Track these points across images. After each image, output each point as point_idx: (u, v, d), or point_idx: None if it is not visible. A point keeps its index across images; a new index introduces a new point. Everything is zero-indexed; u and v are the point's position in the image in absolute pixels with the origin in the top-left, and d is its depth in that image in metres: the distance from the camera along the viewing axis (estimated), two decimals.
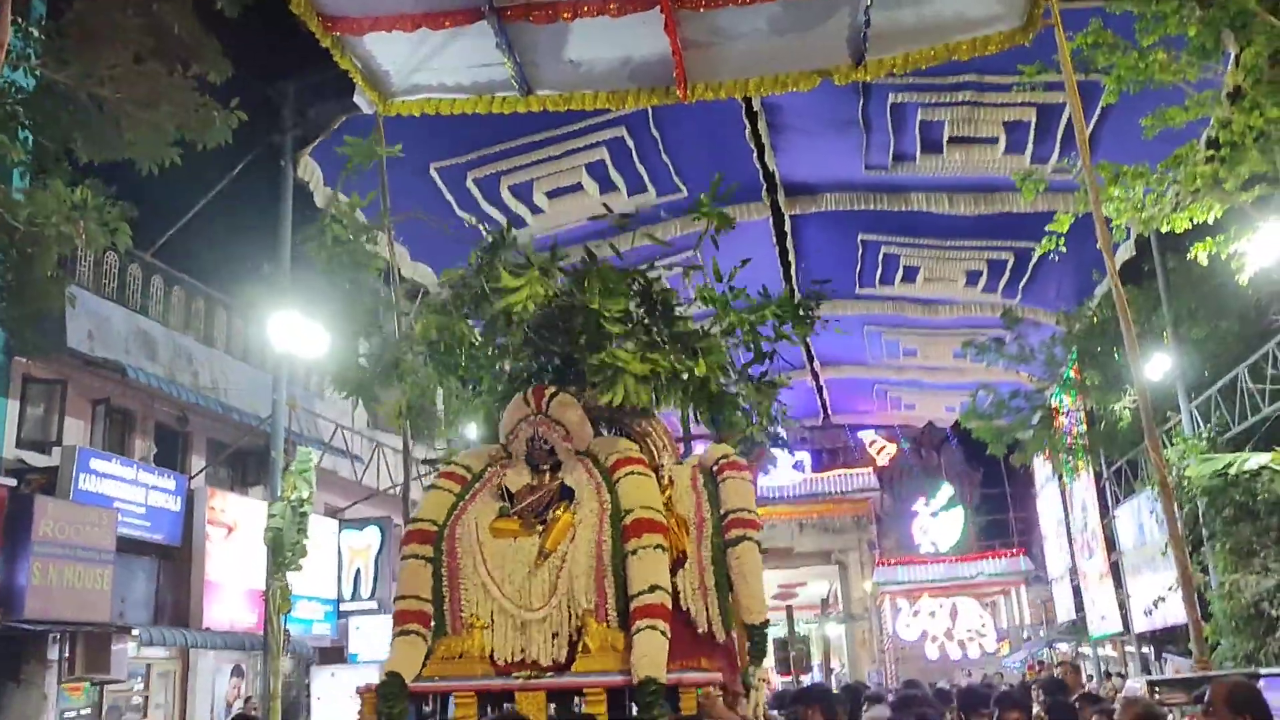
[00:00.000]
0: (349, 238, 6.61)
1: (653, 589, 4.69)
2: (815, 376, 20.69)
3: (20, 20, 10.91)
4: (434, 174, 11.95)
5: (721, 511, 5.12)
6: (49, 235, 9.73)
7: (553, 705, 4.80)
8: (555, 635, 4.83)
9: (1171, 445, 14.50)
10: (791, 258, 15.09)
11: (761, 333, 6.04)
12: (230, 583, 17.03)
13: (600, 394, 5.15)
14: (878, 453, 36.06)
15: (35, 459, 14.36)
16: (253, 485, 18.77)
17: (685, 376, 5.52)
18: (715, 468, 5.28)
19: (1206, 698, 3.87)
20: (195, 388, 17.23)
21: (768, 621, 5.12)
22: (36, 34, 11.17)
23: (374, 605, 19.73)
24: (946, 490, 37.50)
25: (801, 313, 5.95)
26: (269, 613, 12.49)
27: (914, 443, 39.56)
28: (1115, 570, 21.10)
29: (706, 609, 4.95)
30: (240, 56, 11.83)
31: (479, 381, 6.00)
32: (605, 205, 6.32)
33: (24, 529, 12.72)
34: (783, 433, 6.13)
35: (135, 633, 14.65)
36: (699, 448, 5.95)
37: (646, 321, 5.49)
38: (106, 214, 10.07)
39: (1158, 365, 15.06)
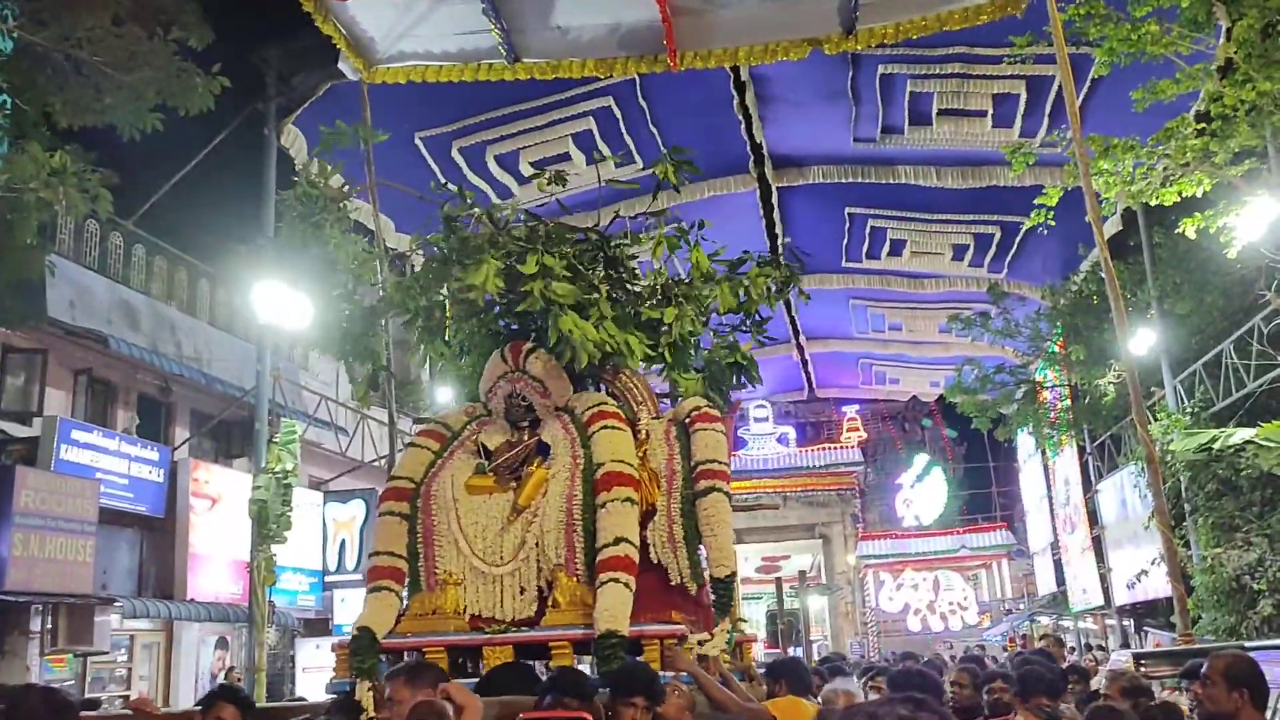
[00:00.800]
0: (322, 206, 6.51)
1: (617, 541, 4.65)
2: (800, 350, 20.71)
3: None
4: (419, 143, 11.84)
5: (692, 463, 5.06)
6: (28, 201, 9.60)
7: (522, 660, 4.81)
8: (523, 590, 4.83)
9: (1155, 420, 14.56)
10: (779, 230, 15.04)
11: (738, 294, 5.94)
12: (214, 555, 16.97)
13: (564, 355, 5.10)
14: (849, 431, 36.07)
15: (16, 430, 14.24)
16: (237, 457, 18.67)
17: (662, 327, 5.46)
18: (688, 419, 5.22)
19: (1203, 671, 3.86)
20: (178, 358, 17.10)
21: (734, 574, 5.06)
22: None
23: (359, 577, 19.67)
24: (923, 459, 37.69)
25: (782, 282, 5.88)
26: (253, 585, 12.43)
27: (897, 417, 39.72)
28: (1097, 544, 21.25)
29: (677, 560, 4.92)
30: (222, 21, 11.66)
31: (460, 342, 5.93)
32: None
33: (4, 500, 12.62)
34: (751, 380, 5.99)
35: (119, 604, 14.59)
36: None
37: (601, 280, 5.39)
38: (87, 180, 9.93)
39: (1143, 340, 15.09)
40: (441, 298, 5.69)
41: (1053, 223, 11.95)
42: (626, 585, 4.58)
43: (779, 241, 15.16)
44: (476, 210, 5.71)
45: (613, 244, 5.71)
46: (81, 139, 11.26)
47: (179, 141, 13.19)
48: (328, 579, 19.82)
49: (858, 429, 36.14)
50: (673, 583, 4.93)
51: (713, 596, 5.14)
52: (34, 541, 12.82)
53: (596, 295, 5.18)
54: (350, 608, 19.25)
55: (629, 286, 5.68)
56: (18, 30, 10.46)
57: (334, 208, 6.59)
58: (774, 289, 5.89)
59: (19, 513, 12.65)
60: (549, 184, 5.99)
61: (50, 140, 10.73)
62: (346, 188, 7.12)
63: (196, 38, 11.35)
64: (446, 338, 5.89)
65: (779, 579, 22.40)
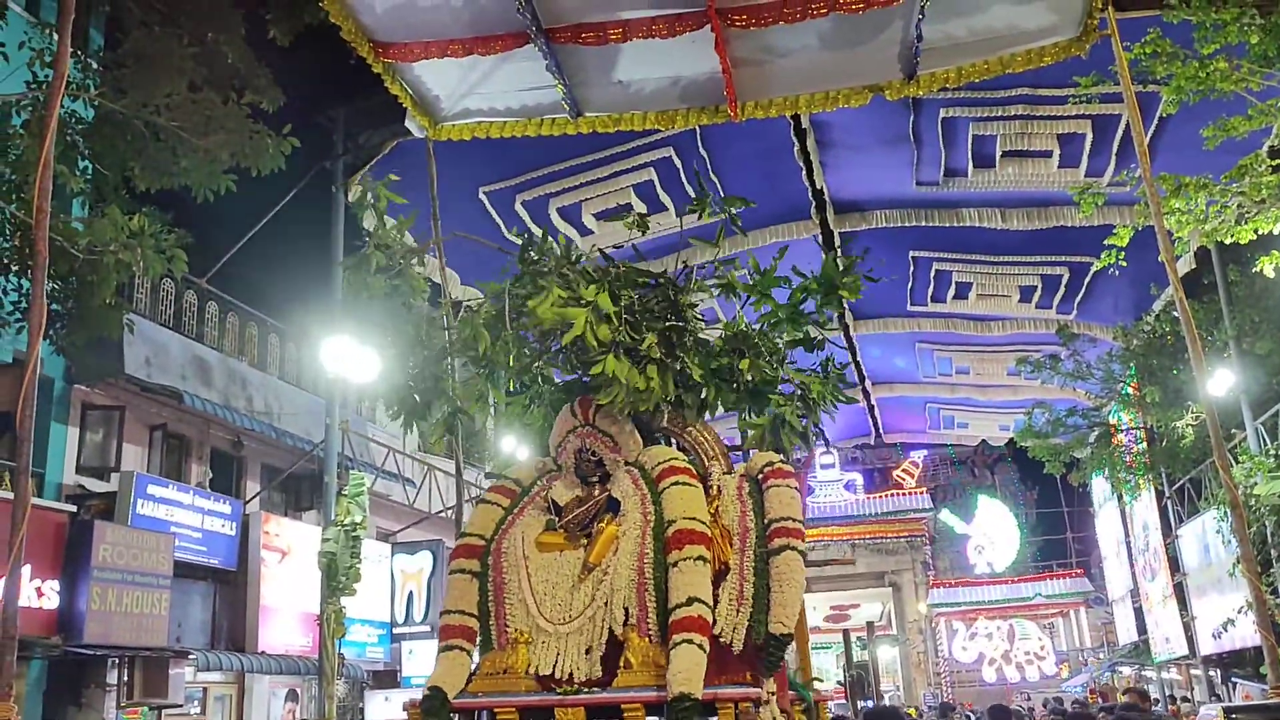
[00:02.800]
0: (395, 263, 6.59)
1: (691, 601, 4.54)
2: (866, 395, 20.49)
3: (79, 52, 11.15)
4: (483, 197, 12.02)
5: (765, 520, 4.91)
6: (108, 263, 9.87)
7: None
8: (589, 650, 4.73)
9: (1237, 463, 14.13)
10: None
11: (807, 312, 5.84)
12: (285, 607, 17.13)
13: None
14: (905, 475, 35.43)
15: (94, 485, 14.58)
16: (306, 510, 18.91)
17: (734, 380, 5.40)
18: (760, 475, 5.09)
19: None
20: (249, 413, 17.42)
21: (790, 635, 4.93)
22: (95, 65, 11.41)
23: (427, 629, 19.73)
24: (994, 504, 36.95)
25: (844, 279, 5.75)
26: (323, 637, 12.51)
27: (967, 462, 39.06)
28: (1179, 591, 20.60)
29: (742, 621, 4.76)
30: (292, 84, 11.99)
31: (527, 392, 5.92)
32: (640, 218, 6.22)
33: (84, 554, 12.89)
34: (826, 424, 5.84)
35: (192, 657, 14.76)
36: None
37: (666, 327, 5.35)
38: (163, 241, 10.21)
39: (1221, 380, 14.70)
40: (504, 338, 5.66)
41: (1124, 263, 11.73)
42: (700, 646, 4.46)
43: None
44: (554, 249, 5.70)
45: (679, 291, 5.66)
46: (157, 200, 11.60)
47: (249, 200, 13.52)
48: (395, 631, 19.89)
49: (912, 474, 35.50)
50: (736, 644, 4.77)
51: (765, 653, 5.00)
52: (111, 595, 13.05)
53: (649, 340, 5.11)
54: (418, 660, 19.29)
55: (698, 335, 5.62)
56: (99, 98, 10.85)
57: (409, 261, 6.66)
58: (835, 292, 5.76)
59: (97, 567, 12.90)
60: (633, 227, 5.99)
61: (128, 203, 11.07)
62: (416, 244, 7.20)
63: (268, 100, 11.69)
64: (512, 386, 5.88)
65: (846, 630, 22.02)
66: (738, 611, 4.75)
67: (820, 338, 5.83)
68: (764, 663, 4.80)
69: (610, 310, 5.04)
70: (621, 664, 4.64)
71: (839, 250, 14.49)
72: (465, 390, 6.00)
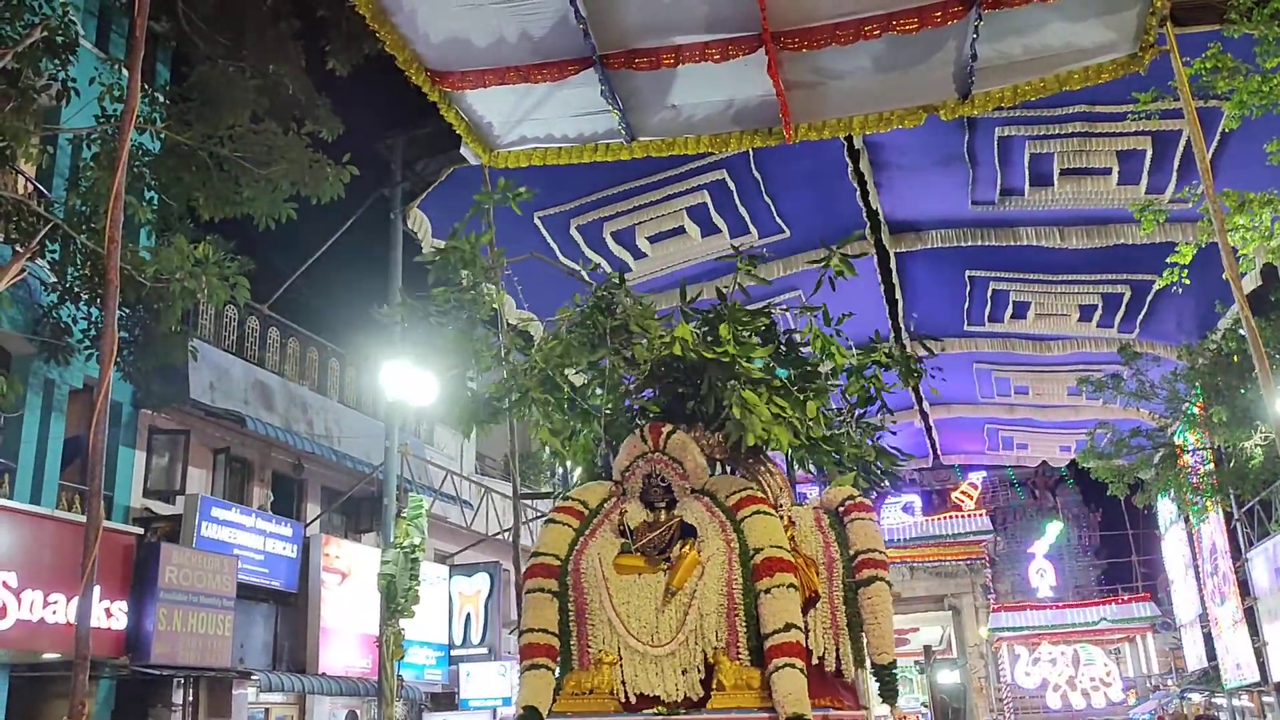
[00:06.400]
0: (469, 280, 6.70)
1: (789, 628, 4.77)
2: (924, 416, 20.27)
3: (146, 86, 11.47)
4: (538, 222, 12.11)
5: (851, 552, 5.18)
6: (174, 291, 10.12)
7: None
8: (684, 672, 4.89)
9: None
10: (898, 295, 14.85)
11: (866, 375, 6.00)
12: (345, 628, 17.30)
13: (731, 435, 5.20)
14: (964, 497, 34.89)
15: (160, 507, 14.87)
16: (365, 532, 19.11)
17: (795, 419, 5.49)
18: (841, 509, 5.32)
19: None
20: (310, 436, 17.67)
21: (895, 661, 5.10)
22: (161, 99, 11.71)
23: (484, 651, 19.82)
24: (1055, 528, 36.28)
25: (910, 366, 5.90)
26: (382, 658, 12.62)
27: (1028, 484, 38.43)
28: (1250, 616, 20.06)
29: (838, 648, 5.05)
30: (351, 113, 12.22)
31: (584, 417, 6.02)
32: (734, 247, 6.51)
33: (151, 576, 13.16)
34: (898, 470, 6.02)
35: (255, 678, 14.96)
36: (809, 492, 5.90)
37: (772, 363, 5.52)
38: (227, 269, 10.44)
39: None
40: (577, 370, 5.81)
41: (1187, 281, 11.52)
42: (801, 670, 4.70)
43: (898, 307, 14.97)
44: (623, 287, 5.86)
45: (782, 330, 5.88)
46: (220, 228, 11.88)
47: (310, 228, 13.78)
48: (453, 653, 19.98)
49: (971, 496, 34.98)
50: (828, 670, 5.02)
51: (878, 684, 5.18)
52: (177, 616, 13.28)
53: (774, 380, 5.31)
54: (476, 682, 19.35)
55: (800, 369, 5.78)
56: (165, 131, 11.14)
57: (483, 276, 6.76)
58: (900, 379, 5.94)
59: (164, 588, 13.16)
60: (746, 267, 6.12)
61: (193, 232, 11.34)
62: (491, 262, 7.30)
63: (328, 130, 11.93)
64: (569, 411, 5.97)
65: (928, 647, 21.67)
66: (835, 639, 5.05)
67: (878, 394, 5.97)
68: (883, 693, 5.14)
69: (746, 348, 5.25)
70: (715, 686, 4.83)
71: (894, 270, 14.41)
72: (539, 414, 6.06)
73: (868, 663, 5.16)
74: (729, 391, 5.12)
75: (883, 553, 5.17)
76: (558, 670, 5.13)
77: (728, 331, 5.26)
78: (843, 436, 5.96)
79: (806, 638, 4.92)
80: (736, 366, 5.16)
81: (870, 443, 6.08)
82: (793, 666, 4.66)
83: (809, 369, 5.84)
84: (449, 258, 6.45)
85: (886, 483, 6.30)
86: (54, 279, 11.27)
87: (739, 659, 4.83)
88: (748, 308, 5.81)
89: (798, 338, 6.06)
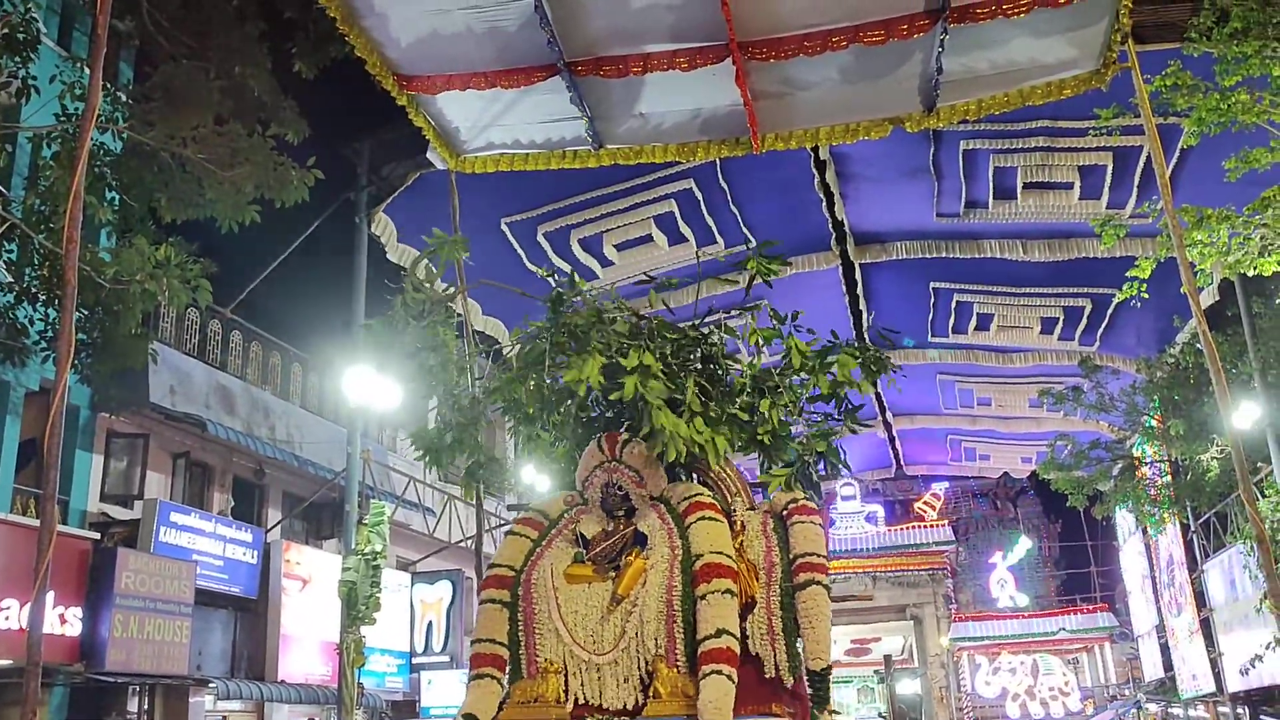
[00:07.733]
0: (426, 308, 6.66)
1: (720, 633, 4.69)
2: (888, 427, 20.40)
3: (109, 85, 11.31)
4: (505, 228, 12.09)
5: (790, 555, 5.12)
6: (134, 292, 9.97)
7: None
8: (626, 680, 4.86)
9: (1264, 497, 13.98)
10: (862, 306, 14.95)
11: (828, 378, 5.92)
12: (305, 635, 17.13)
13: (658, 449, 5.18)
14: (926, 508, 35.10)
15: (118, 512, 14.65)
16: (327, 538, 18.94)
17: (752, 420, 5.48)
18: (785, 511, 5.27)
19: None
20: (272, 441, 17.50)
21: (830, 667, 5.06)
22: (124, 98, 11.57)
23: (446, 659, 19.68)
24: (1025, 543, 36.61)
25: (873, 366, 5.85)
26: (343, 666, 12.49)
27: (989, 494, 38.75)
28: (1206, 627, 20.33)
29: (774, 654, 4.95)
30: (316, 116, 12.12)
31: (555, 428, 6.01)
32: (698, 255, 6.41)
33: (107, 582, 12.96)
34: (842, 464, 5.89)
35: (212, 685, 14.78)
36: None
37: (697, 378, 5.46)
38: (188, 271, 10.31)
39: (1246, 414, 14.55)
40: (535, 383, 5.78)
41: (1146, 295, 11.68)
42: (729, 678, 4.60)
43: (862, 318, 15.07)
44: (583, 295, 5.82)
45: (709, 342, 5.81)
46: (182, 230, 11.73)
47: (274, 231, 13.65)
48: (415, 660, 19.84)
49: (934, 506, 35.24)
50: (768, 675, 4.92)
51: (809, 690, 5.09)
52: (133, 623, 13.09)
53: (687, 393, 5.26)
54: (437, 690, 19.21)
55: (723, 383, 5.74)
56: (127, 131, 11.00)
57: (440, 309, 6.73)
58: (863, 376, 5.85)
59: (120, 594, 12.96)
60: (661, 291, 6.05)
61: (154, 234, 11.19)
62: (450, 289, 7.27)
63: (293, 133, 11.82)
64: (542, 424, 5.96)
65: (888, 656, 21.76)
66: (771, 645, 4.95)
67: (847, 397, 5.86)
68: (814, 698, 5.05)
69: (657, 369, 5.19)
70: (651, 694, 4.78)
71: (860, 281, 14.50)
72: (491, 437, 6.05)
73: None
74: (645, 416, 5.11)
75: (822, 556, 5.09)
76: (507, 680, 5.12)
77: (637, 358, 5.20)
78: (793, 440, 5.91)
79: (745, 644, 4.87)
80: (644, 390, 5.12)
81: (816, 438, 5.92)
82: (719, 674, 4.58)
83: (769, 370, 5.79)
84: (407, 298, 6.45)
85: (826, 477, 6.20)
86: (10, 279, 11.08)
87: (676, 666, 4.78)
88: (675, 326, 5.76)
89: (747, 346, 6.00)
